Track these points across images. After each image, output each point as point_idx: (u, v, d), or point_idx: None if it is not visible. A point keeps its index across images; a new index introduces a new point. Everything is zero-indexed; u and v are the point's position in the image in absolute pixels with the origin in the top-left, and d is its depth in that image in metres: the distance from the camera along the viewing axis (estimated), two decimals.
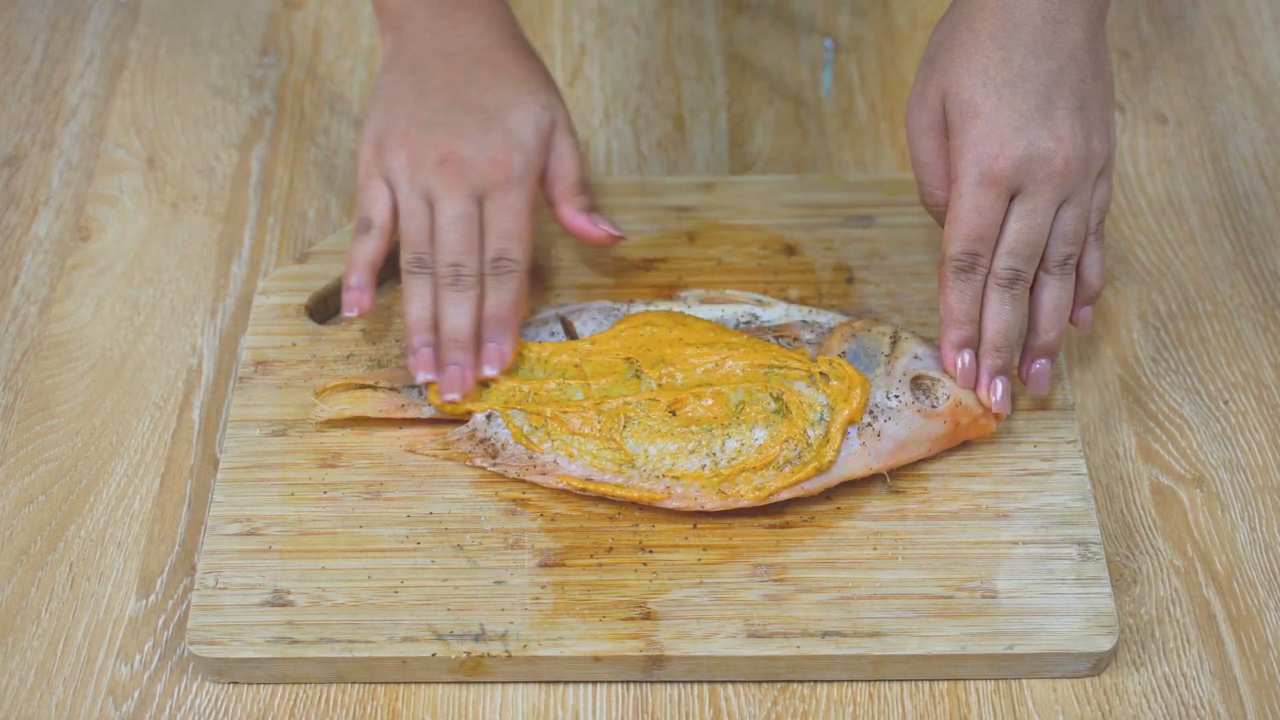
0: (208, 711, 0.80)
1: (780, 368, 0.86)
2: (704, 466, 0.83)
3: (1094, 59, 0.83)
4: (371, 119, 0.89)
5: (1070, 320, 0.87)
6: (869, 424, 0.84)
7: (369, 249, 0.88)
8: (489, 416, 0.86)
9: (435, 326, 0.87)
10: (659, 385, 0.86)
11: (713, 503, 0.83)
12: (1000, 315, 0.84)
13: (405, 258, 0.88)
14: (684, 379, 0.86)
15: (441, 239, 0.87)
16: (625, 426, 0.85)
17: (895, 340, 0.87)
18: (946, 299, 0.84)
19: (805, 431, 0.84)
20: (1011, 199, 0.83)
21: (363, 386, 0.88)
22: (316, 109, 1.09)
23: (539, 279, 0.95)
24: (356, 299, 0.88)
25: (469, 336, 0.86)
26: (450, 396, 0.86)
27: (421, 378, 0.86)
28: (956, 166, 0.83)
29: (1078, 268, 0.86)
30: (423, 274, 0.87)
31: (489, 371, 0.86)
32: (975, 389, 0.85)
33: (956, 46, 0.83)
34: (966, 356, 0.85)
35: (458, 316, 0.86)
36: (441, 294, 0.87)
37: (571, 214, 0.90)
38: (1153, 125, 1.07)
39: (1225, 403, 0.92)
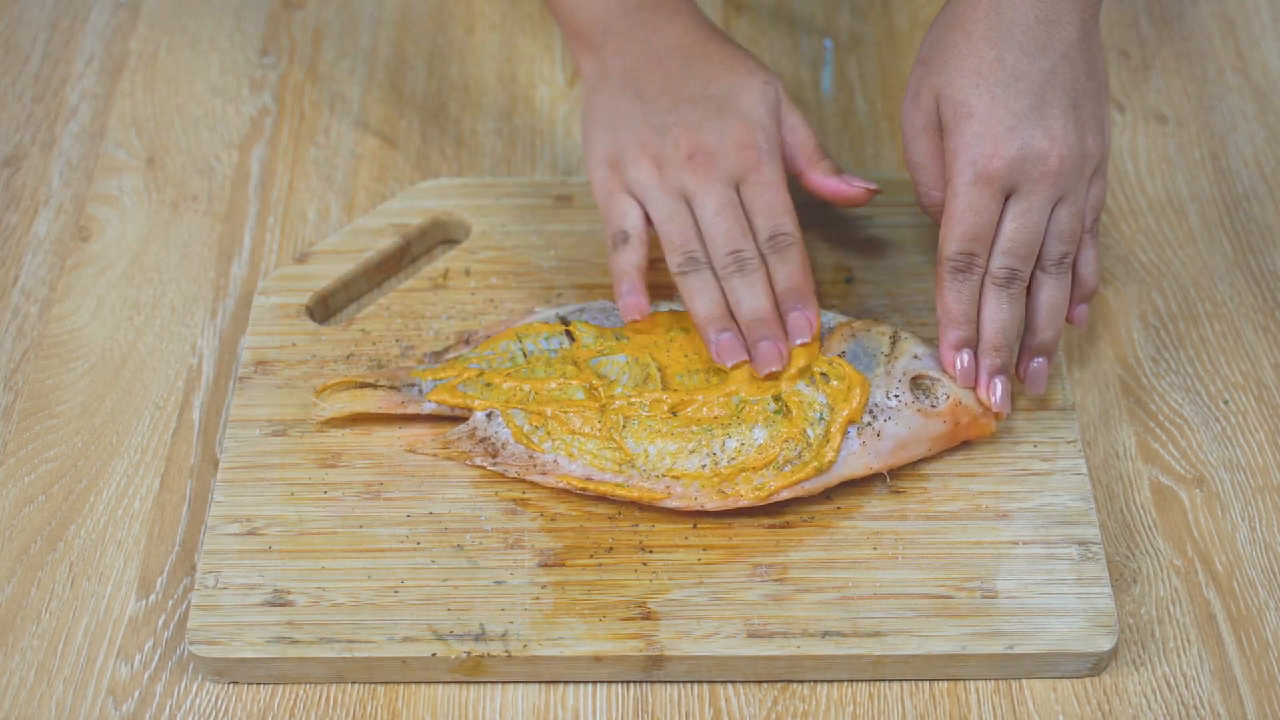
0: (208, 711, 0.80)
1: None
2: (704, 466, 0.84)
3: (1087, 57, 0.83)
4: (595, 141, 0.88)
5: (1066, 318, 0.87)
6: (869, 424, 0.84)
7: (631, 256, 0.87)
8: (489, 415, 0.86)
9: (728, 317, 0.86)
10: (661, 385, 0.86)
11: (713, 503, 0.83)
12: (998, 315, 0.84)
13: (674, 261, 0.86)
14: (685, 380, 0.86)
15: (712, 230, 0.86)
16: (625, 426, 0.85)
17: (895, 340, 0.87)
18: (944, 299, 0.84)
19: (805, 431, 0.84)
20: (1007, 199, 0.83)
21: (363, 385, 0.88)
22: (316, 109, 1.09)
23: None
24: (635, 304, 0.87)
25: (771, 314, 0.85)
26: (770, 369, 0.84)
27: (732, 361, 0.85)
28: (951, 167, 0.83)
29: (1074, 266, 0.86)
30: (697, 271, 0.86)
31: (801, 340, 0.85)
32: (974, 388, 0.85)
33: (949, 48, 0.83)
34: (965, 356, 0.85)
35: (754, 298, 0.85)
36: (729, 283, 0.85)
37: (821, 179, 0.89)
38: (1153, 125, 1.07)
39: (1225, 403, 0.92)
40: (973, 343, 0.85)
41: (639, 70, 0.88)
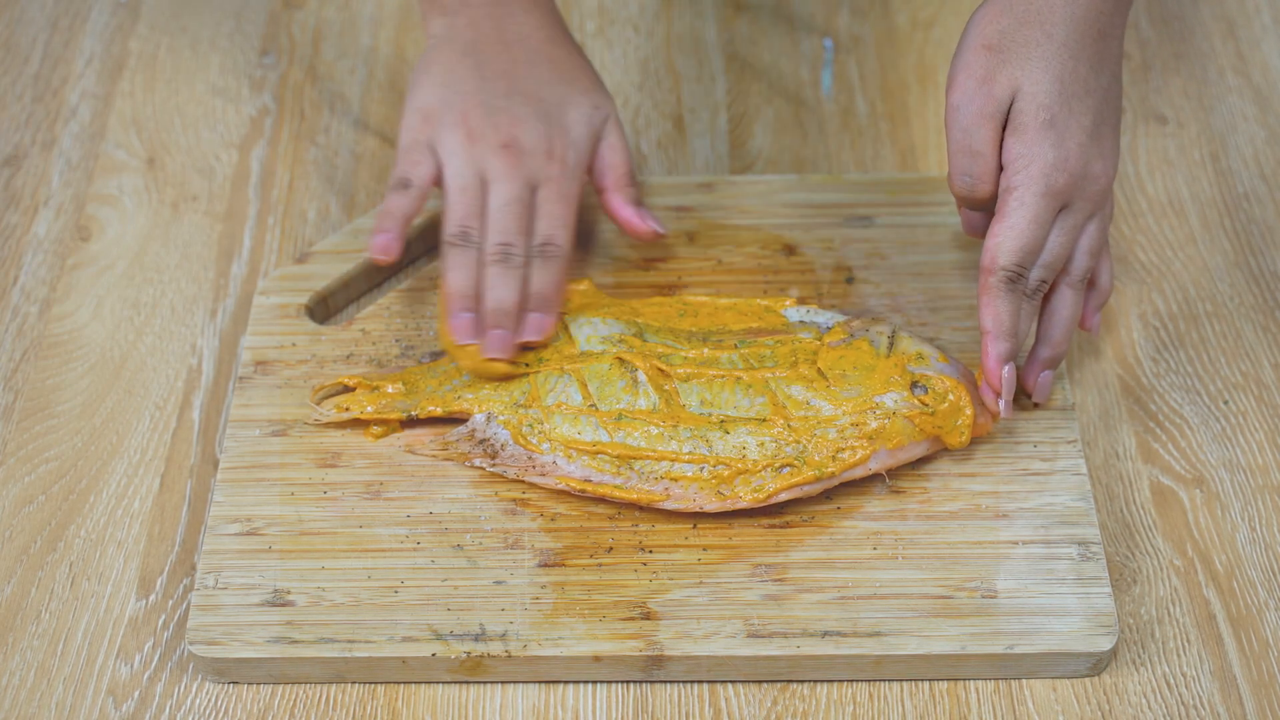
0: (208, 711, 0.80)
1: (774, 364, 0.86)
2: (703, 468, 0.83)
3: (1120, 75, 0.84)
4: (421, 91, 0.90)
5: (1082, 325, 0.88)
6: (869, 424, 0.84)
7: (405, 203, 0.89)
8: (488, 417, 0.86)
9: (475, 299, 0.88)
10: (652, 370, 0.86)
11: (711, 504, 0.83)
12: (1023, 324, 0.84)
13: (450, 229, 0.88)
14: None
15: (495, 218, 0.88)
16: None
17: (893, 340, 0.87)
18: (995, 310, 0.83)
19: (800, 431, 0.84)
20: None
21: (360, 387, 0.88)
22: (316, 109, 1.09)
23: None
24: (386, 244, 0.88)
25: (514, 308, 0.87)
26: (494, 354, 0.87)
27: (461, 340, 0.87)
28: (1022, 171, 0.82)
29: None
30: (467, 247, 0.88)
31: (531, 337, 0.88)
32: (1029, 393, 0.86)
33: (1031, 45, 0.82)
34: (1009, 370, 0.84)
35: (504, 289, 0.87)
36: (488, 269, 0.87)
37: (620, 204, 0.92)
38: (1153, 125, 1.07)
39: (1225, 403, 0.92)
40: (1016, 355, 0.84)
41: (486, 47, 0.91)
